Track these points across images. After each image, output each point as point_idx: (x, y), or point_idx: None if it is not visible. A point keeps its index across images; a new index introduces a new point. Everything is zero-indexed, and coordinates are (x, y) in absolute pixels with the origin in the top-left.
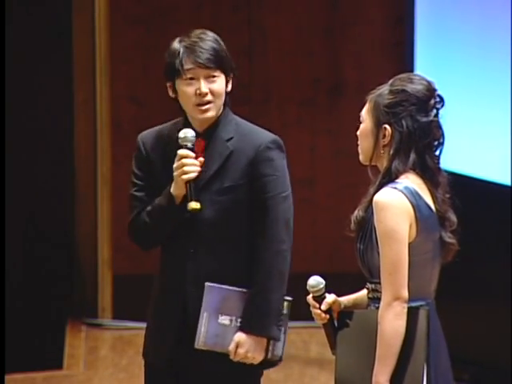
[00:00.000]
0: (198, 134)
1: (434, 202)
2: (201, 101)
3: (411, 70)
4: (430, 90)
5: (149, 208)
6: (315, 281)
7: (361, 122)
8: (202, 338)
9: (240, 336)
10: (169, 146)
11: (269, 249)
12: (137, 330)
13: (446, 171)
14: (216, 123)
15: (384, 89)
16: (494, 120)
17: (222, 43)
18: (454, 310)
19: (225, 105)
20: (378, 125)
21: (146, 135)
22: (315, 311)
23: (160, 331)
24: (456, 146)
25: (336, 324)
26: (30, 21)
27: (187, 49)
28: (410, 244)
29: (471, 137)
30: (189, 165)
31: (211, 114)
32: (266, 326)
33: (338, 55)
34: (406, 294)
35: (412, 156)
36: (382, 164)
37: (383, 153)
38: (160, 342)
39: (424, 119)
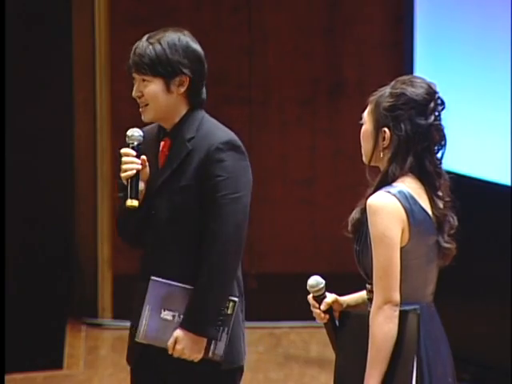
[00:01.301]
0: (166, 133)
1: (432, 206)
2: (139, 102)
3: (411, 69)
4: (430, 94)
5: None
6: (315, 281)
7: (362, 124)
8: (143, 331)
9: (178, 332)
10: (145, 146)
11: (213, 249)
12: None
13: (445, 171)
14: (180, 123)
15: (385, 91)
16: (493, 120)
17: (174, 45)
18: (454, 310)
19: (190, 104)
20: (377, 127)
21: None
22: (315, 311)
23: (131, 332)
24: (456, 146)
25: (337, 323)
26: (30, 21)
27: (132, 52)
28: (402, 248)
29: (471, 137)
30: (128, 163)
31: (147, 115)
32: (203, 325)
33: (337, 55)
34: (396, 297)
35: (409, 160)
36: (382, 165)
37: (383, 155)
38: (133, 343)
39: (423, 123)
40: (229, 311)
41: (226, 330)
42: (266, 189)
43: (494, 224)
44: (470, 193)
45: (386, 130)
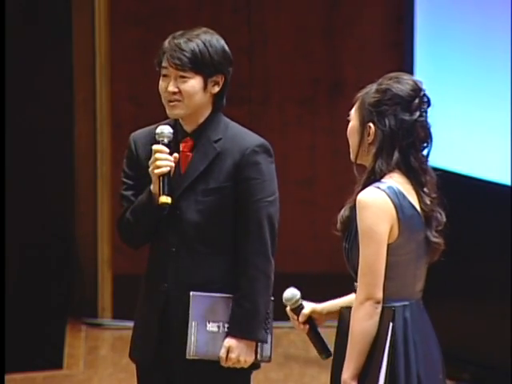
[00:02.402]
0: (186, 134)
1: (419, 202)
2: (170, 98)
3: (411, 69)
4: (416, 90)
5: (132, 206)
6: (290, 294)
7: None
8: (193, 347)
9: (230, 341)
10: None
11: (254, 252)
12: None
13: (441, 170)
14: (205, 124)
15: (371, 87)
16: (493, 120)
17: (214, 45)
18: (453, 310)
19: (214, 106)
20: (363, 123)
21: (138, 134)
22: (294, 323)
23: (144, 331)
24: (456, 146)
25: (319, 331)
26: (30, 20)
27: (169, 47)
28: (391, 244)
29: (471, 137)
30: (162, 159)
31: (178, 111)
32: (255, 330)
33: (337, 55)
34: (379, 294)
35: (396, 155)
36: (368, 163)
37: (368, 151)
38: (144, 343)
39: (408, 119)
40: (268, 311)
41: (269, 331)
42: None
43: (494, 224)
44: (470, 193)
45: (371, 125)
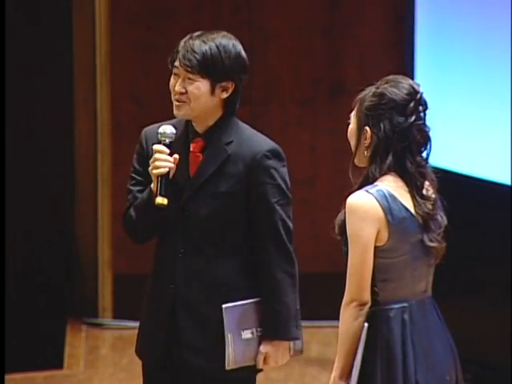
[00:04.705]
0: (197, 135)
1: (414, 205)
2: (177, 97)
3: (411, 69)
4: (411, 94)
5: (135, 203)
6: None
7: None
8: (232, 358)
9: (266, 348)
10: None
11: (275, 254)
12: (137, 330)
13: (441, 170)
14: (216, 126)
15: (370, 90)
16: (494, 119)
17: (228, 50)
18: (454, 310)
19: (225, 110)
20: (360, 127)
21: (150, 130)
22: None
23: (151, 331)
24: (456, 146)
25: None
26: (30, 21)
27: (183, 46)
28: (382, 247)
29: (471, 136)
30: (161, 160)
31: (183, 112)
32: (289, 330)
33: (338, 55)
34: (364, 297)
35: (389, 159)
36: (365, 165)
37: (366, 154)
38: (152, 342)
39: (403, 123)
40: (298, 307)
41: (299, 326)
42: None
43: (494, 224)
44: (470, 193)
45: (368, 129)
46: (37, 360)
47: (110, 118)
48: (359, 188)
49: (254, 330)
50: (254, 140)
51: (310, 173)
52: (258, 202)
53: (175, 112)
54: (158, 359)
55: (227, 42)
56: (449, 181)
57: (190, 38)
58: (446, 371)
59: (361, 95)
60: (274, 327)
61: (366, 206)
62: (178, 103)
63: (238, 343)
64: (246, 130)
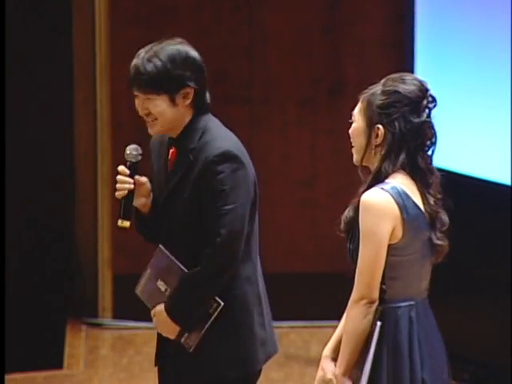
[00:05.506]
0: (172, 142)
1: (424, 203)
2: (145, 119)
3: (411, 69)
4: (423, 91)
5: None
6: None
7: (352, 122)
8: (140, 288)
9: (158, 309)
10: (161, 148)
11: (208, 255)
12: (137, 330)
13: (442, 170)
14: (186, 131)
15: (377, 89)
16: (493, 119)
17: (175, 59)
18: (454, 310)
19: (195, 111)
20: (370, 125)
21: (153, 139)
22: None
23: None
24: (456, 146)
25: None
26: (30, 20)
27: (131, 69)
28: (396, 244)
29: (471, 136)
30: (120, 182)
31: (156, 129)
32: (179, 312)
33: (338, 55)
34: (374, 295)
35: (402, 157)
36: (373, 164)
37: (375, 153)
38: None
39: (416, 120)
40: (210, 311)
41: (201, 325)
42: (266, 189)
43: (494, 224)
44: (470, 193)
45: (380, 127)
46: (37, 360)
47: (109, 118)
48: (370, 185)
49: (168, 288)
50: (210, 145)
51: (310, 173)
52: (206, 207)
53: (149, 131)
54: (156, 354)
55: (172, 50)
56: (449, 181)
57: (137, 56)
58: (444, 369)
59: (366, 94)
60: (169, 299)
61: (382, 204)
62: (148, 124)
63: (151, 283)
64: (211, 131)
